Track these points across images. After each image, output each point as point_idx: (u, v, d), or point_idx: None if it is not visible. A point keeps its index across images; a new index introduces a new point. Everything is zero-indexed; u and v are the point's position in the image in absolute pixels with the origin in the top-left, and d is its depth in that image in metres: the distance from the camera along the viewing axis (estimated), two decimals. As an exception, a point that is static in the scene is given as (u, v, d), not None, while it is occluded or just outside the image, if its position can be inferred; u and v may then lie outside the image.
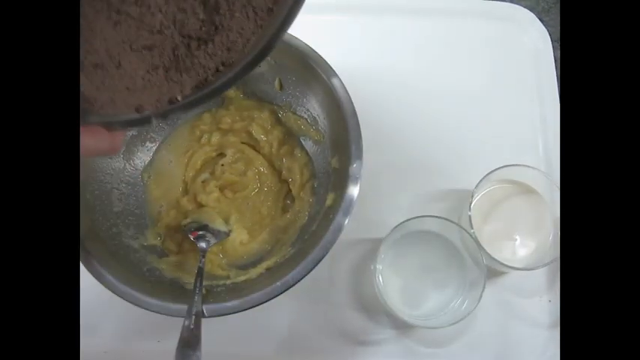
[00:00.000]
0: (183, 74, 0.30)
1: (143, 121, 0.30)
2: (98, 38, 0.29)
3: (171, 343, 0.44)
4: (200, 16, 0.30)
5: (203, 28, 0.30)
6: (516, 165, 0.54)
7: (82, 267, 0.47)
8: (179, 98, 0.30)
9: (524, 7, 0.69)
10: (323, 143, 0.56)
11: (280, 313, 0.57)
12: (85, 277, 0.47)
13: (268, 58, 0.54)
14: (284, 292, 0.46)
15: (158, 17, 0.29)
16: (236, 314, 0.47)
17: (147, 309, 0.47)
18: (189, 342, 0.43)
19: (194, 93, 0.30)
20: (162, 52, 0.30)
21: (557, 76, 0.65)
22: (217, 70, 0.30)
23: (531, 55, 0.67)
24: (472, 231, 0.52)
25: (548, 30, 0.68)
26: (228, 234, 0.55)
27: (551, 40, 0.67)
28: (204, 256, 0.50)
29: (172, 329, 0.52)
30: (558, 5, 0.71)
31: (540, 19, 0.68)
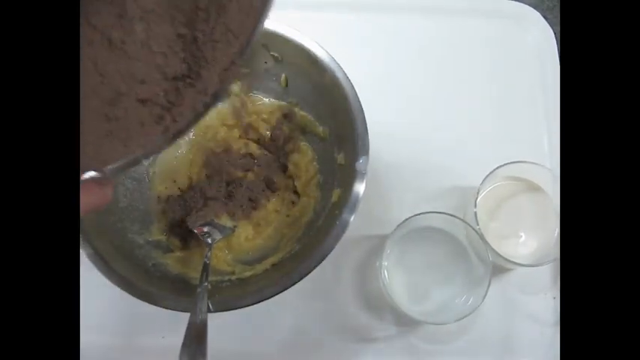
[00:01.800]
0: (177, 119, 0.29)
1: (134, 164, 0.30)
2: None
3: (176, 339, 0.44)
4: (181, 55, 0.29)
5: (185, 65, 0.29)
6: (521, 162, 0.54)
7: (87, 262, 0.47)
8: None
9: (529, 5, 0.69)
10: (329, 139, 0.56)
11: (284, 310, 0.57)
12: (90, 272, 0.48)
13: (275, 54, 0.54)
14: (289, 287, 0.46)
15: (138, 67, 0.29)
16: (239, 310, 0.46)
17: (152, 304, 0.47)
18: (195, 337, 0.43)
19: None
20: (152, 102, 0.29)
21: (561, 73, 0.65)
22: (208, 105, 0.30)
23: (536, 52, 0.67)
24: (477, 227, 0.52)
25: (552, 28, 0.68)
26: (233, 230, 0.55)
27: (556, 38, 0.67)
28: (209, 252, 0.50)
29: (177, 325, 0.52)
30: (563, 3, 0.71)
31: (545, 17, 0.68)
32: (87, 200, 0.30)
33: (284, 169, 0.59)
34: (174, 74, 0.29)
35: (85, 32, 0.28)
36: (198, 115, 0.30)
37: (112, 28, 0.28)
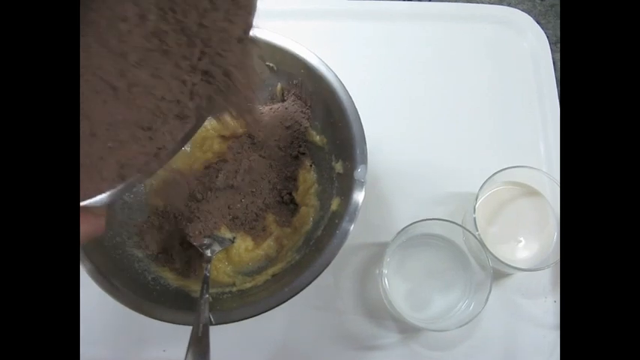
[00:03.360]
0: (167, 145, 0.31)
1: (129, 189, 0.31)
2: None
3: (177, 353, 0.44)
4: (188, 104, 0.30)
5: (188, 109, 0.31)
6: (519, 166, 0.54)
7: (86, 276, 0.47)
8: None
9: (522, 10, 0.70)
10: (326, 148, 0.56)
11: (284, 318, 0.57)
12: (89, 287, 0.47)
13: (270, 64, 0.54)
14: (291, 298, 0.46)
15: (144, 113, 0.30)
16: (239, 321, 0.46)
17: (153, 317, 0.46)
18: (198, 350, 0.43)
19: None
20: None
21: (556, 77, 0.66)
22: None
23: (530, 57, 0.67)
24: (477, 233, 0.52)
25: (545, 33, 0.68)
26: (232, 241, 0.55)
27: (549, 43, 0.68)
28: (209, 264, 0.50)
29: (177, 338, 0.52)
30: (555, 8, 0.72)
31: (538, 22, 0.69)
32: (84, 230, 0.31)
33: (282, 178, 0.58)
34: (180, 113, 0.30)
35: (92, 82, 0.29)
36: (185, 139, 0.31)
37: (116, 76, 0.29)
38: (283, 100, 0.58)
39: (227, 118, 0.34)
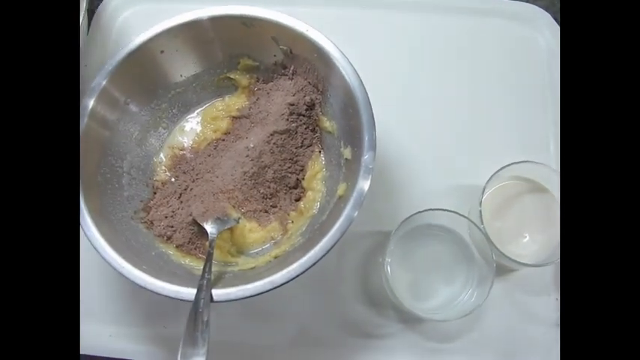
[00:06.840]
0: None
1: None
2: None
3: (178, 329, 0.44)
4: None
5: None
6: (527, 162, 0.54)
7: (90, 249, 0.47)
8: None
9: (540, 7, 0.69)
10: (336, 133, 0.56)
11: (287, 304, 0.57)
12: (93, 260, 0.48)
13: (284, 47, 0.54)
14: (292, 280, 0.46)
15: None
16: (241, 302, 0.46)
17: (155, 292, 0.46)
18: (197, 327, 0.43)
19: None
20: None
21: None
22: None
23: (545, 54, 0.67)
24: (482, 226, 0.51)
25: (562, 30, 0.68)
26: (237, 221, 0.55)
27: (566, 41, 0.67)
28: (213, 242, 0.50)
29: (179, 315, 0.52)
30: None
31: (555, 20, 0.68)
32: None
33: (290, 162, 0.58)
34: None
35: None
36: None
37: None
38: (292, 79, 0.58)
39: None
